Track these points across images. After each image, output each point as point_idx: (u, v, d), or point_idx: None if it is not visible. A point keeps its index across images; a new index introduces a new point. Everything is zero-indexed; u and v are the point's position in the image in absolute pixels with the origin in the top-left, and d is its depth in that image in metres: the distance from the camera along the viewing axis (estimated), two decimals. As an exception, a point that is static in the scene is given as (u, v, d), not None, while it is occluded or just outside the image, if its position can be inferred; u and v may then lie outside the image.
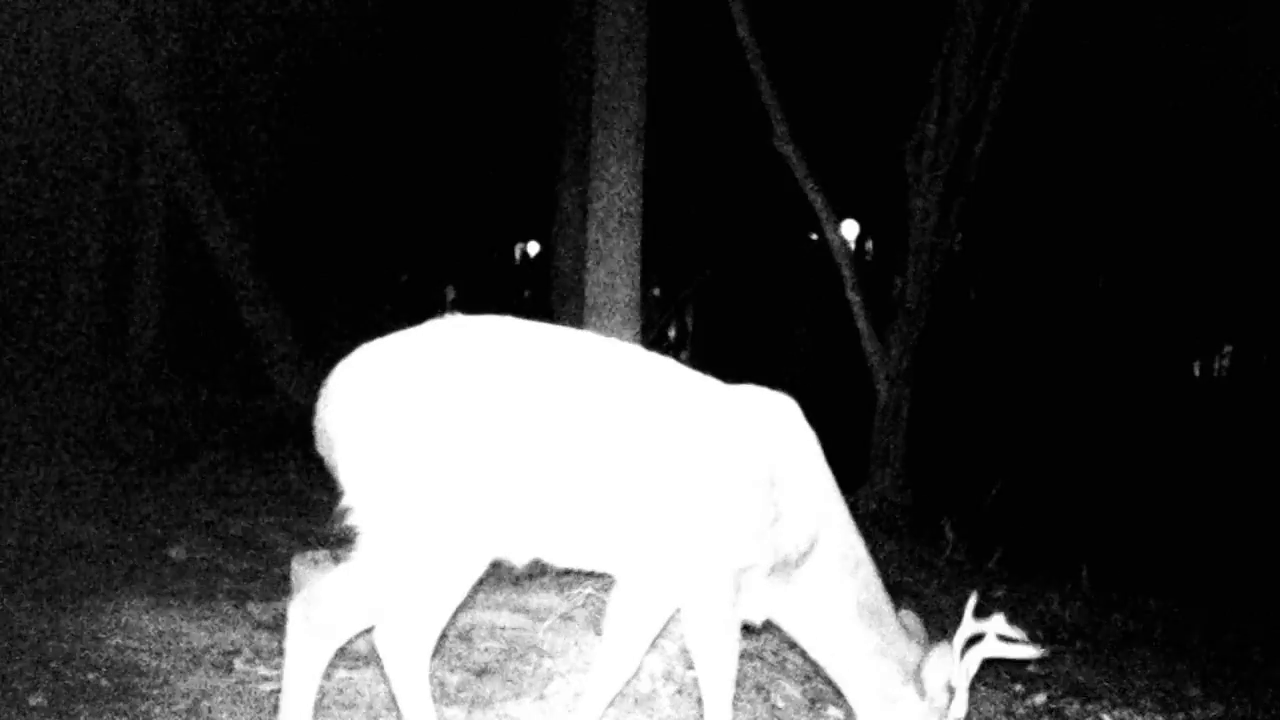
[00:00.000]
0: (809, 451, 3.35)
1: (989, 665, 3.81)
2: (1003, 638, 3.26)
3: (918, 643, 3.40)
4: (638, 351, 3.26)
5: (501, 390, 2.95)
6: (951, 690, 3.29)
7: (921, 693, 3.30)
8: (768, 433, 3.26)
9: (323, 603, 2.98)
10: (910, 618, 3.48)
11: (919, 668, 3.31)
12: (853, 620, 3.33)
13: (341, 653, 4.22)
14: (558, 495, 3.00)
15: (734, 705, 4.04)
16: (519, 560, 3.18)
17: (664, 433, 3.11)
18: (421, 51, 18.73)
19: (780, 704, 4.09)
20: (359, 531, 3.01)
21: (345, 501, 3.00)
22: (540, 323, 3.19)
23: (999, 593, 6.29)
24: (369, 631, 3.32)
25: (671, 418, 3.13)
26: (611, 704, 4.00)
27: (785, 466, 3.24)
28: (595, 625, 4.78)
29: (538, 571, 5.80)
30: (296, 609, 3.00)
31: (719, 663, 3.24)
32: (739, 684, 4.20)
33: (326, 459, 3.04)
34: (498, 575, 5.70)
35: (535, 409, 2.96)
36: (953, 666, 3.28)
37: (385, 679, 3.44)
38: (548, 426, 2.97)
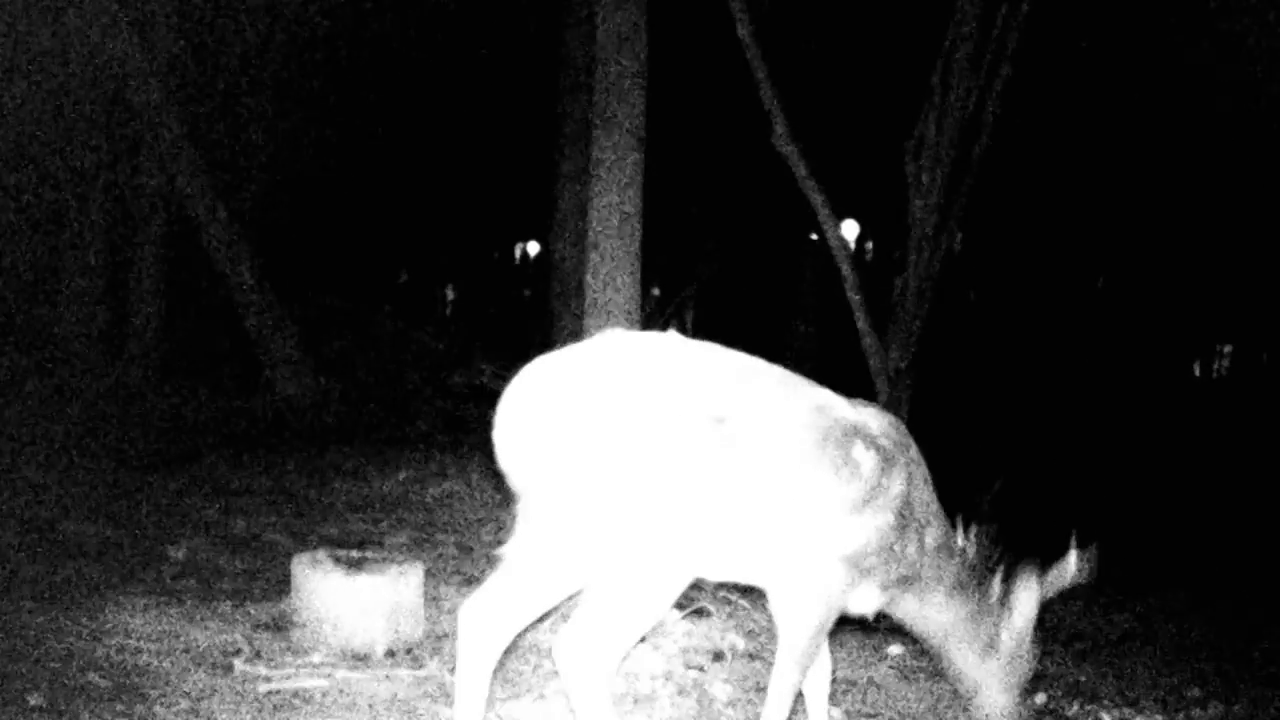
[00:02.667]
0: (924, 467, 3.53)
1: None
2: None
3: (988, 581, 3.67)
4: (786, 371, 3.38)
5: (686, 408, 3.04)
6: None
7: (1024, 625, 3.63)
8: (903, 451, 3.41)
9: (496, 606, 3.11)
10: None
11: (1012, 596, 3.63)
12: (952, 597, 3.57)
13: (343, 653, 4.24)
14: (721, 510, 3.09)
15: (734, 705, 4.05)
16: (677, 575, 3.23)
17: (821, 450, 3.21)
18: (421, 51, 18.72)
19: (780, 704, 4.09)
20: (530, 535, 3.10)
21: (525, 507, 3.11)
22: (696, 340, 3.32)
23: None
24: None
25: (829, 437, 3.23)
26: (611, 704, 4.00)
27: (914, 484, 3.42)
28: (595, 625, 4.78)
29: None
30: (469, 611, 3.13)
31: (804, 662, 3.39)
32: (739, 684, 4.21)
33: (510, 468, 3.13)
34: (498, 575, 5.71)
35: (707, 426, 3.05)
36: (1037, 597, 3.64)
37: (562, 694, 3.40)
38: (715, 442, 3.05)
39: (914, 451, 3.47)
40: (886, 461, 3.30)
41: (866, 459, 3.25)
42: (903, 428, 3.50)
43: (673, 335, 3.25)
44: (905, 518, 3.35)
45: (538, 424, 3.04)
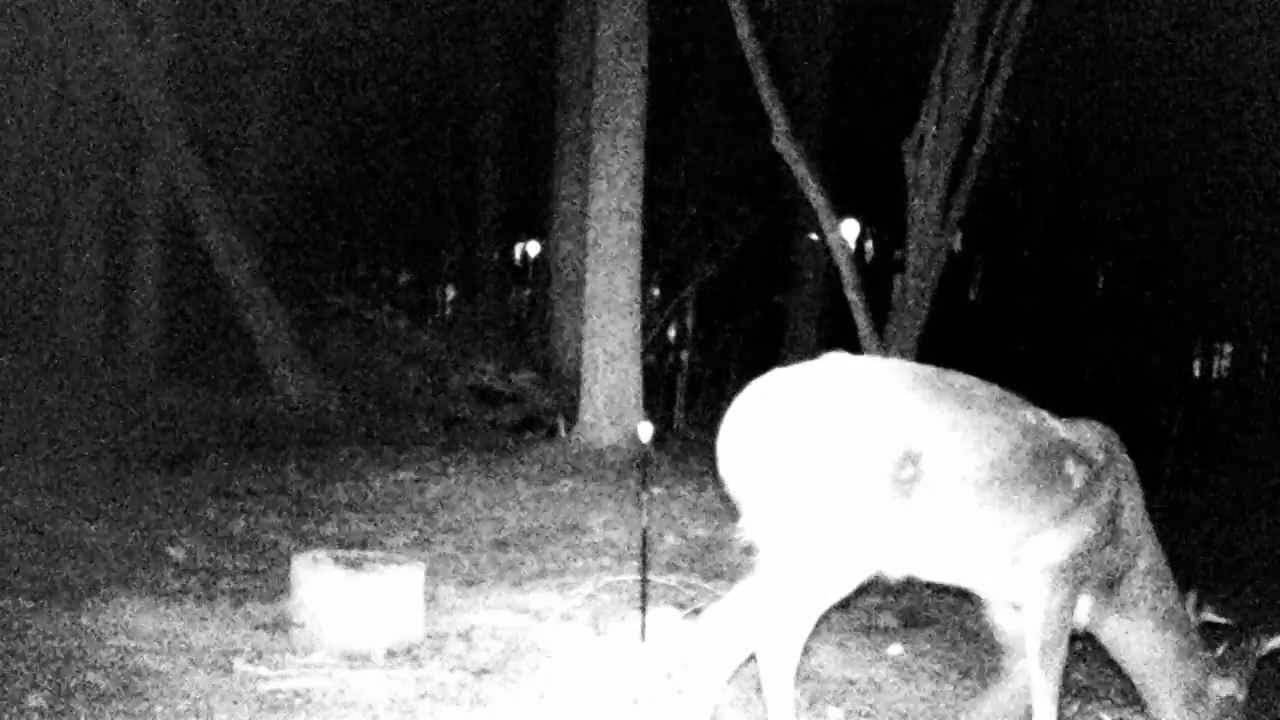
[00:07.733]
0: (1136, 484, 3.68)
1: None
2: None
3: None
4: (1003, 392, 3.54)
5: (882, 443, 3.21)
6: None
7: (1239, 685, 3.71)
8: (1113, 464, 3.60)
9: (734, 620, 3.26)
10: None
11: (1228, 662, 3.74)
12: (1163, 629, 3.70)
13: (343, 653, 4.24)
14: (944, 517, 3.29)
15: (734, 705, 4.05)
16: (895, 576, 3.47)
17: (1033, 468, 3.41)
18: (422, 51, 18.72)
19: (780, 704, 4.08)
20: (768, 551, 3.28)
21: (758, 524, 3.29)
22: (914, 364, 3.57)
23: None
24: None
25: (1040, 455, 3.43)
26: (611, 704, 4.00)
27: (1124, 494, 3.61)
28: (595, 625, 4.78)
29: (538, 572, 5.80)
30: (708, 625, 3.28)
31: (1054, 664, 3.55)
32: (739, 684, 4.19)
33: (729, 478, 3.33)
34: (498, 575, 5.70)
35: (925, 442, 3.24)
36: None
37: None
38: (937, 455, 3.24)
39: (1125, 465, 3.63)
40: (1096, 474, 3.51)
41: (1078, 473, 3.47)
42: (1117, 442, 3.65)
43: (894, 361, 3.44)
44: (1110, 525, 3.53)
45: (754, 439, 3.25)
